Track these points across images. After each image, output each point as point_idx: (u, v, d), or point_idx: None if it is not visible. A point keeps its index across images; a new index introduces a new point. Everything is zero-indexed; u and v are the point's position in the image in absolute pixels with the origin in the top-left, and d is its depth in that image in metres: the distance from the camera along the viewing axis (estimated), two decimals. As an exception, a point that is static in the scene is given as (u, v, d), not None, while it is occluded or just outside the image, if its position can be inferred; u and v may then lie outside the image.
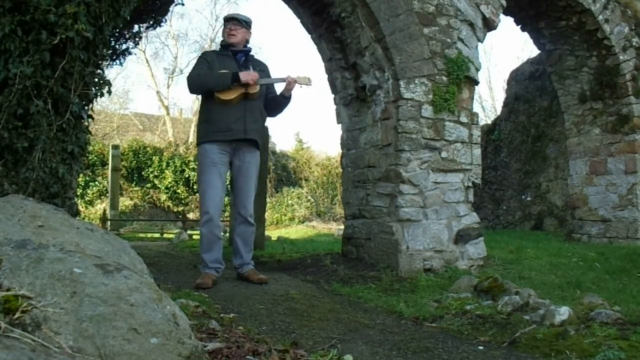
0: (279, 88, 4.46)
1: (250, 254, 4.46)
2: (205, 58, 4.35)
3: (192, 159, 16.48)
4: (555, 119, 9.02)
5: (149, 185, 16.31)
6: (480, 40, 5.60)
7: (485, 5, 5.57)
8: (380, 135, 5.25)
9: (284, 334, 2.89)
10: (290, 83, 4.31)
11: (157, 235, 11.15)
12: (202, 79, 4.19)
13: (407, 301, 3.94)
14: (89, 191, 15.11)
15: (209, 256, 4.20)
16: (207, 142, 4.19)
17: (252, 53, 4.50)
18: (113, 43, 4.68)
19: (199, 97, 5.15)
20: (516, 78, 10.39)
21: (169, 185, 16.23)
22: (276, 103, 4.45)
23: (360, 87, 5.55)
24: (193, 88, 4.29)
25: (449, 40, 5.34)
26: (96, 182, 15.35)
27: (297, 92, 4.44)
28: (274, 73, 4.50)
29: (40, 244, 1.73)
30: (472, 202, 5.37)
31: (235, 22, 4.37)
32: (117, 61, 5.01)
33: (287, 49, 49.19)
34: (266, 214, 7.69)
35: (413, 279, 4.64)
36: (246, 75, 4.11)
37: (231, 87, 4.11)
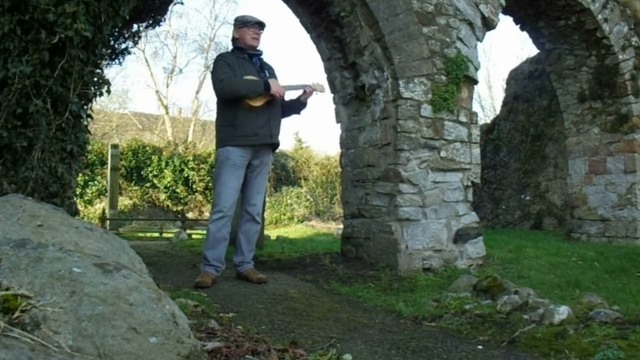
0: (294, 92, 4.59)
1: (252, 253, 4.48)
2: (225, 61, 4.34)
3: (191, 158, 16.48)
4: (555, 118, 9.02)
5: (148, 184, 16.29)
6: (480, 39, 5.60)
7: (484, 4, 5.57)
8: (380, 135, 5.25)
9: (283, 334, 2.89)
10: (309, 92, 4.46)
11: (156, 234, 11.14)
12: (235, 85, 4.21)
13: (406, 300, 3.94)
14: (88, 190, 15.09)
15: (212, 253, 4.21)
16: (231, 145, 4.24)
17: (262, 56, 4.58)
18: (112, 42, 4.66)
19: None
20: (515, 77, 10.39)
21: (168, 185, 16.21)
22: (292, 108, 4.58)
23: (360, 87, 5.55)
24: (226, 93, 4.25)
25: (448, 39, 5.34)
26: (95, 182, 15.33)
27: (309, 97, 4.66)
28: (285, 78, 4.57)
29: (39, 243, 1.73)
30: (471, 201, 5.37)
31: (260, 27, 4.45)
32: (117, 60, 4.99)
33: (286, 48, 49.20)
34: (265, 213, 7.69)
35: (412, 278, 4.64)
36: (275, 87, 4.21)
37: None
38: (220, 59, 4.41)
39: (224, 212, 4.18)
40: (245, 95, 4.19)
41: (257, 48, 4.49)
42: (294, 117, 4.73)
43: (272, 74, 4.49)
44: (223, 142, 4.30)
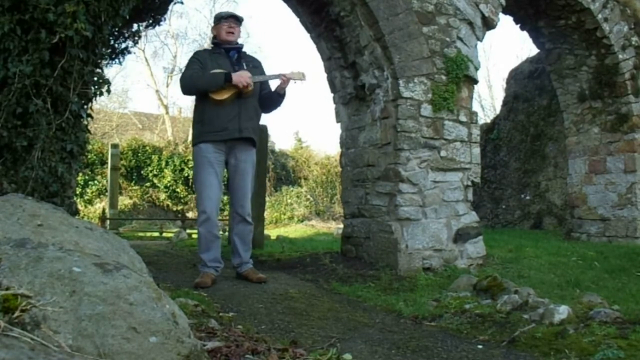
0: (273, 84, 4.47)
1: (248, 253, 4.46)
2: (197, 58, 4.32)
3: (190, 157, 16.43)
4: (555, 118, 9.02)
5: (148, 184, 16.29)
6: (480, 39, 5.60)
7: (484, 4, 5.57)
8: (380, 134, 5.25)
9: (283, 333, 2.89)
10: (284, 81, 4.30)
11: (156, 234, 11.13)
12: (194, 81, 4.17)
13: (406, 300, 3.94)
14: (88, 190, 15.09)
15: (208, 255, 4.20)
16: (202, 142, 4.18)
17: (244, 49, 4.49)
18: (112, 42, 4.67)
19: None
20: (515, 77, 10.39)
21: (168, 184, 16.22)
22: (271, 100, 4.44)
23: (360, 86, 5.55)
24: (186, 90, 4.28)
25: (448, 39, 5.34)
26: (95, 181, 15.33)
27: (294, 89, 4.45)
28: (274, 71, 4.51)
29: (39, 242, 1.73)
30: (471, 201, 5.37)
31: (235, 20, 4.36)
32: (117, 60, 4.99)
33: (286, 48, 49.19)
34: (265, 213, 7.69)
35: (412, 278, 4.64)
36: (239, 77, 4.09)
37: (224, 86, 4.10)
38: (191, 57, 4.39)
39: (208, 213, 4.14)
40: (206, 89, 4.12)
41: (237, 42, 4.40)
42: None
43: (256, 66, 4.40)
44: (195, 139, 4.28)
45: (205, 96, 4.16)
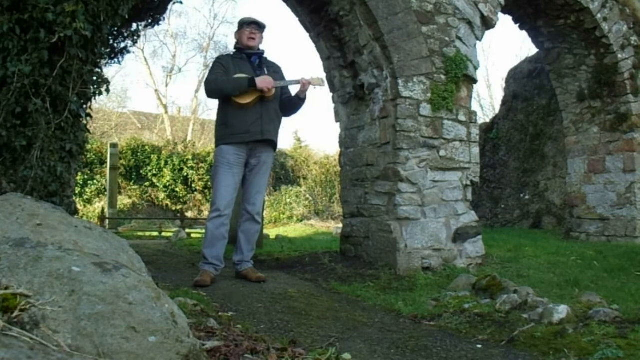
0: (292, 88, 4.55)
1: (251, 253, 4.49)
2: (220, 62, 4.44)
3: (190, 157, 16.48)
4: (554, 117, 9.02)
5: (147, 183, 16.29)
6: (479, 38, 5.60)
7: (483, 3, 5.57)
8: (379, 134, 5.25)
9: (282, 333, 2.89)
10: (305, 85, 4.40)
11: (155, 233, 11.13)
12: (219, 85, 4.29)
13: (405, 300, 3.94)
14: (87, 190, 15.08)
15: (211, 252, 4.23)
16: (224, 144, 4.29)
17: (265, 55, 4.57)
18: (111, 41, 4.66)
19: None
20: (515, 76, 10.38)
21: (168, 184, 16.22)
22: (292, 104, 4.56)
23: (359, 86, 5.55)
24: (211, 93, 4.38)
25: (447, 38, 5.34)
26: (95, 181, 15.33)
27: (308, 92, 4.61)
28: (291, 75, 4.58)
29: (38, 242, 1.73)
30: (470, 200, 5.37)
31: (256, 27, 4.49)
32: (116, 60, 4.99)
33: (285, 47, 49.19)
34: (265, 212, 7.69)
35: (411, 277, 4.64)
36: (262, 82, 4.21)
37: (248, 90, 4.22)
38: (215, 62, 4.54)
39: (221, 211, 4.21)
40: (231, 94, 4.23)
41: (258, 48, 4.51)
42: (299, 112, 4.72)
43: (277, 72, 4.52)
44: (218, 141, 4.39)
45: (228, 100, 4.28)
